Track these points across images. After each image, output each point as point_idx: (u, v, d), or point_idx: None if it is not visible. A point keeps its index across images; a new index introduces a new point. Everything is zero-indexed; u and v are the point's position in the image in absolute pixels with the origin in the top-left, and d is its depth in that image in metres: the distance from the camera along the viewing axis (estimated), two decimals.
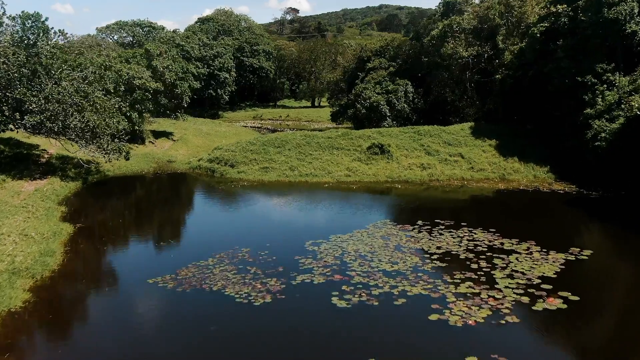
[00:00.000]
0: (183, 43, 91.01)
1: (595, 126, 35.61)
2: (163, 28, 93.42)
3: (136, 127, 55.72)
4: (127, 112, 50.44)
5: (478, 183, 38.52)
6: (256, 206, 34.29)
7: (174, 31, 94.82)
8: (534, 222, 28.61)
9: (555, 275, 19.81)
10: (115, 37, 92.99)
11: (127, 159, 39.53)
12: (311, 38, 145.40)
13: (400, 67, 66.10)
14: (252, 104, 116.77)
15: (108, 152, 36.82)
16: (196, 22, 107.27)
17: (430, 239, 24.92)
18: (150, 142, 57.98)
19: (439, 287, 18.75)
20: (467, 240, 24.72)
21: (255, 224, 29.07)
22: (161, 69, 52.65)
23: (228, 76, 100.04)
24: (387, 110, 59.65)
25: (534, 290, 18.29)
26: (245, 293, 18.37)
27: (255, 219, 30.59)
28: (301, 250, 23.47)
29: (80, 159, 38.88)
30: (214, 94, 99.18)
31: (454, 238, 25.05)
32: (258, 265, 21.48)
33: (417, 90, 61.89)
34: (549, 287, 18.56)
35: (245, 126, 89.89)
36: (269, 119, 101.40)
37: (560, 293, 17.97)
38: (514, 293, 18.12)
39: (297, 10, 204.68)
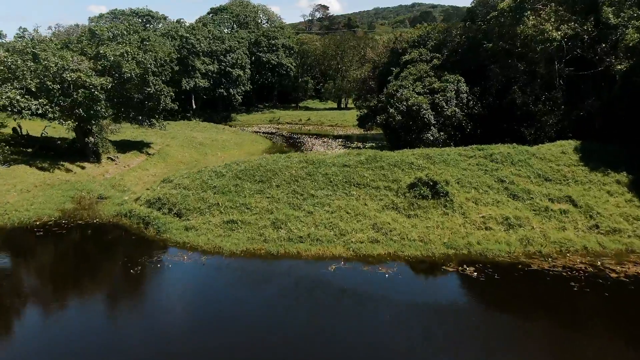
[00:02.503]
0: (187, 35, 73.74)
1: None
2: (165, 17, 75.95)
3: (90, 139, 38.48)
4: (57, 118, 32.96)
5: (619, 263, 19.08)
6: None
7: (178, 21, 77.42)
8: None
9: None
10: None
11: None
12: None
13: (448, 59, 46.43)
14: (271, 105, 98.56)
15: None
16: (208, 13, 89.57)
17: None
18: (109, 158, 40.33)
19: None
20: None
21: None
22: (112, 59, 34.63)
23: (242, 74, 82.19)
24: (432, 117, 40.41)
25: None
26: None
27: None
28: None
29: None
30: (226, 94, 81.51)
31: None
32: None
33: (471, 89, 42.46)
34: None
35: (257, 132, 71.80)
36: (287, 123, 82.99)
37: None
38: None
39: (326, 7, 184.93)
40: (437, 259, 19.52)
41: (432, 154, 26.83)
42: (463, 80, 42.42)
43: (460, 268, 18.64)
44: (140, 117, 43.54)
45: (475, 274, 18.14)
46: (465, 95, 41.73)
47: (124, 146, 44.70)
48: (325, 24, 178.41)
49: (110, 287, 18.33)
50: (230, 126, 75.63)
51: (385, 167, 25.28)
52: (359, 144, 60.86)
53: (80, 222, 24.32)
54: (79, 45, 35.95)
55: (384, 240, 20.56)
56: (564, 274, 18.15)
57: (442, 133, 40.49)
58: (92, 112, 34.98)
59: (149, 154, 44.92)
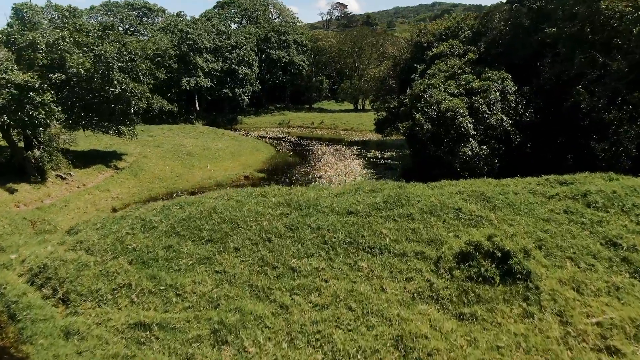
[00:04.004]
0: (188, 30, 64.25)
1: None
2: (164, 10, 66.55)
3: (33, 152, 29.17)
4: None
5: None
6: None
7: (178, 14, 67.98)
8: None
9: None
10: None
11: None
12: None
13: (488, 52, 35.77)
14: (282, 106, 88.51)
15: None
16: (215, 7, 80.00)
17: None
18: (59, 176, 30.82)
19: None
20: None
21: None
22: (43, 48, 24.97)
23: (249, 72, 72.47)
24: (472, 126, 29.84)
25: None
26: None
27: None
28: None
29: None
30: (231, 94, 71.91)
31: None
32: None
33: (519, 89, 31.80)
34: None
35: (263, 137, 61.88)
36: (298, 127, 72.89)
37: None
38: None
39: (345, 6, 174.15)
40: None
41: (489, 190, 16.33)
42: (509, 77, 31.83)
43: None
44: (106, 124, 34.03)
45: None
46: (513, 97, 31.05)
47: (89, 159, 35.27)
48: (344, 22, 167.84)
49: None
50: (235, 130, 65.99)
51: (415, 216, 14.94)
52: (377, 153, 50.49)
53: None
54: (5, 31, 26.37)
55: None
56: None
57: (484, 147, 29.84)
58: (27, 119, 25.52)
59: (118, 169, 35.35)
